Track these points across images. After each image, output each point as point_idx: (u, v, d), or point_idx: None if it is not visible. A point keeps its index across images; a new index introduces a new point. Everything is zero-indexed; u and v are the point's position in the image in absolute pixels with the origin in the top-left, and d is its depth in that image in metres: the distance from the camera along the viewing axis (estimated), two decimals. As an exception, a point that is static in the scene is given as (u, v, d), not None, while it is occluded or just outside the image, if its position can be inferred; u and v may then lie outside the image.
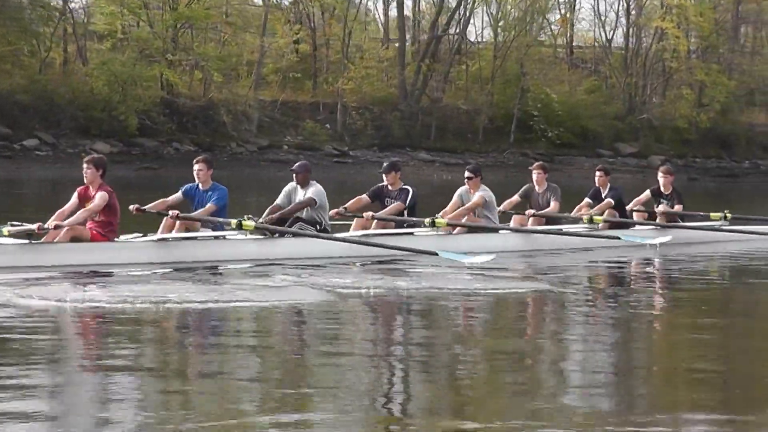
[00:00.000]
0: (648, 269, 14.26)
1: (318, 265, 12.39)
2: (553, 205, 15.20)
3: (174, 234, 12.58)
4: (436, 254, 12.70)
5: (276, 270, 11.91)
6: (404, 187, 14.07)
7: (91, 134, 42.54)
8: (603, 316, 9.81)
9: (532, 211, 15.20)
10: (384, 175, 14.09)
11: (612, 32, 59.90)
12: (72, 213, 11.86)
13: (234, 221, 12.41)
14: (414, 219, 13.93)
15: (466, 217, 14.53)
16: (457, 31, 53.99)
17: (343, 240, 13.09)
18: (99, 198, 11.80)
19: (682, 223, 16.33)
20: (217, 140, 45.15)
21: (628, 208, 16.27)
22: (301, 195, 13.43)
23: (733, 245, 16.06)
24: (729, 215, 16.76)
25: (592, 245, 15.10)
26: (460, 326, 9.28)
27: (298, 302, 9.85)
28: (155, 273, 11.53)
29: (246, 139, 46.30)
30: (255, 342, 8.16)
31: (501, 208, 15.23)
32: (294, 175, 13.50)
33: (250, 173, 42.11)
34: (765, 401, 6.62)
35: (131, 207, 12.44)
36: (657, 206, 16.48)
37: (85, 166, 12.00)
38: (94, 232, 11.93)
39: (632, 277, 13.62)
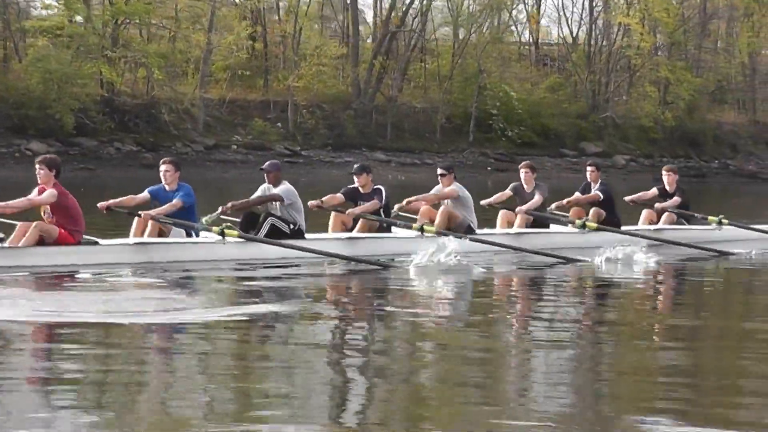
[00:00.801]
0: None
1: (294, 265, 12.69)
2: (536, 198, 15.04)
3: (147, 238, 12.57)
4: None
5: (252, 274, 12.17)
6: (376, 187, 14.11)
7: (26, 133, 40.51)
8: (564, 322, 9.57)
9: (523, 208, 14.99)
10: (355, 177, 14.12)
11: (577, 29, 58.45)
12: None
13: (216, 229, 12.60)
14: (401, 221, 14.09)
15: (443, 217, 14.36)
16: (414, 27, 51.99)
17: (330, 254, 12.93)
18: (47, 194, 11.70)
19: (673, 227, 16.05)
20: (161, 140, 43.21)
21: (627, 198, 16.35)
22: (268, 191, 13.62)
23: (727, 247, 15.38)
24: (725, 221, 16.46)
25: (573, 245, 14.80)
26: (418, 332, 8.91)
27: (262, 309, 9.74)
28: (122, 277, 11.44)
29: (192, 139, 44.34)
30: (205, 350, 7.81)
31: (492, 200, 15.25)
32: (265, 174, 13.57)
33: (196, 174, 39.97)
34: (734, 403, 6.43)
35: (99, 204, 12.56)
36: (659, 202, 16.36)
37: (37, 166, 11.85)
38: (62, 231, 11.88)
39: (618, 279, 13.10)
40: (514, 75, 54.75)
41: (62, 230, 11.81)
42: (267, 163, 13.96)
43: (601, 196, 15.55)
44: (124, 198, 12.77)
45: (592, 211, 15.49)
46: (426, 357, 7.84)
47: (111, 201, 12.67)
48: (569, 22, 59.05)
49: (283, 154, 45.23)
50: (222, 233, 12.56)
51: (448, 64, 52.65)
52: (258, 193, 13.62)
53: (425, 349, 8.08)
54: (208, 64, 46.56)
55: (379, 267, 12.70)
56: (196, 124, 44.94)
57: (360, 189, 14.11)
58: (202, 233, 12.83)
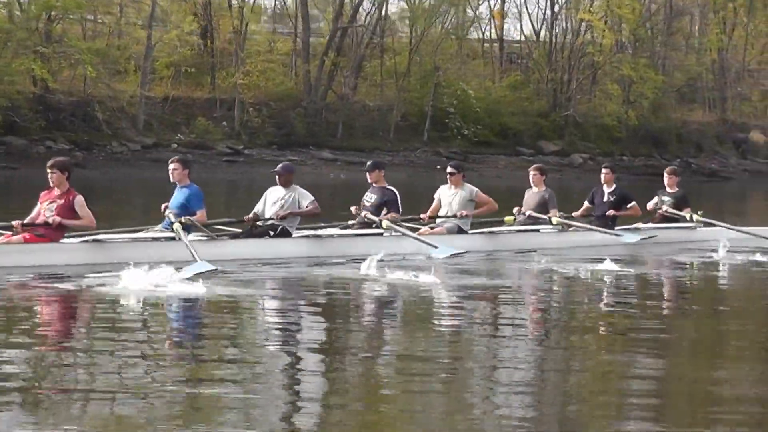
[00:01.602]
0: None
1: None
2: (552, 213, 15.10)
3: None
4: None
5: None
6: (388, 188, 14.11)
7: (-49, 131, 39.57)
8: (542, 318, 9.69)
9: (529, 212, 15.16)
10: (368, 173, 14.18)
11: (540, 25, 57.30)
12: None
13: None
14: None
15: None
16: (365, 23, 50.98)
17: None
18: (78, 206, 11.91)
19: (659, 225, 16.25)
20: (96, 138, 42.29)
21: (650, 207, 16.45)
22: (281, 194, 13.40)
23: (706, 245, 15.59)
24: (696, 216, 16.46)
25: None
26: (380, 330, 9.02)
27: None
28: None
29: (130, 138, 43.33)
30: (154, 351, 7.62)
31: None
32: (277, 176, 13.43)
33: (127, 174, 39.51)
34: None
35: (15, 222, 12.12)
36: (661, 207, 16.46)
37: (49, 171, 11.93)
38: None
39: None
40: (473, 72, 53.68)
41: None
42: (279, 165, 13.82)
43: (610, 211, 15.69)
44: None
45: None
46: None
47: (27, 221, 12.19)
48: (531, 19, 58.09)
49: (223, 153, 44.41)
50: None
51: (405, 62, 51.70)
52: (268, 195, 13.54)
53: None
54: (149, 61, 45.57)
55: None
56: (135, 122, 43.99)
57: (373, 185, 14.23)
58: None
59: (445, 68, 51.14)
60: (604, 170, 15.97)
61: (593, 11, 53.30)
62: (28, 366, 6.92)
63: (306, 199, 13.33)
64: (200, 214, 12.57)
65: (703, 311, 10.64)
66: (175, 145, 43.80)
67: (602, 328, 9.17)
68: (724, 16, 58.07)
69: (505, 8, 58.74)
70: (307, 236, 13.60)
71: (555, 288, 12.04)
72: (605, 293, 11.68)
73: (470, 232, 14.71)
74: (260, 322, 9.42)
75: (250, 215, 13.41)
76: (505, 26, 59.67)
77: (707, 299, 11.60)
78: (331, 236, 13.76)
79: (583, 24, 54.43)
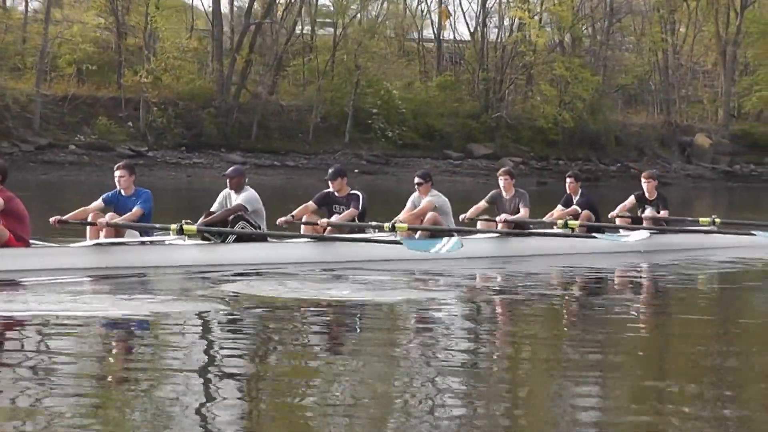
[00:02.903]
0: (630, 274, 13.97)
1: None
2: (523, 212, 14.73)
3: (104, 239, 12.32)
4: (400, 243, 12.97)
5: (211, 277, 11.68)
6: (353, 192, 13.69)
7: None
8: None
9: (504, 216, 14.67)
10: (330, 182, 13.68)
11: (475, 23, 54.99)
12: None
13: (174, 226, 12.27)
14: (373, 223, 13.84)
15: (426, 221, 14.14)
16: (284, 19, 48.65)
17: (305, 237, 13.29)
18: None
19: (667, 227, 16.10)
20: (-15, 138, 39.86)
21: (611, 215, 15.86)
22: (234, 199, 13.20)
23: (722, 252, 15.55)
24: (717, 220, 16.47)
25: (566, 250, 14.72)
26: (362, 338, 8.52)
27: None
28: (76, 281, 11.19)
29: (23, 138, 40.90)
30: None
31: (467, 214, 14.84)
32: (228, 180, 13.23)
33: (17, 176, 36.83)
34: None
35: (51, 219, 12.32)
36: (642, 212, 16.08)
37: None
38: (11, 236, 11.63)
39: (610, 282, 13.39)
40: (404, 73, 51.44)
41: (12, 234, 11.61)
42: (230, 168, 13.67)
43: (580, 210, 15.27)
44: (77, 211, 12.36)
45: (581, 218, 15.30)
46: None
47: (67, 215, 12.29)
48: (466, 17, 55.90)
49: (125, 155, 41.82)
50: (181, 230, 12.27)
51: (326, 60, 49.44)
52: (219, 199, 13.33)
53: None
54: (46, 57, 43.15)
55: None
56: (30, 122, 41.59)
57: (336, 194, 13.70)
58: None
59: (367, 67, 48.73)
60: (568, 179, 15.73)
61: (525, 8, 50.94)
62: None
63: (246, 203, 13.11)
64: (137, 210, 12.36)
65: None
66: (74, 146, 41.59)
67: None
68: (662, 15, 55.86)
69: (443, 7, 56.57)
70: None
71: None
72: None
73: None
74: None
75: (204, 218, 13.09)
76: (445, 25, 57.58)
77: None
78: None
79: (517, 21, 52.17)
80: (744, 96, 60.53)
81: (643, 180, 16.26)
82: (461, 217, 14.73)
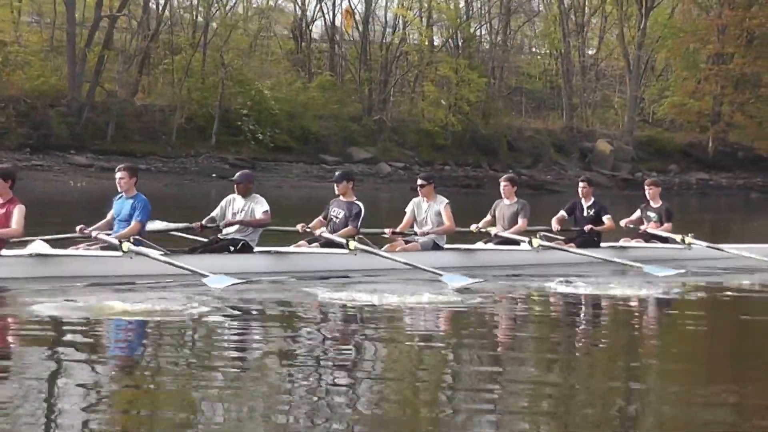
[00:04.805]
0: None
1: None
2: (521, 223, 14.12)
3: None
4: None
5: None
6: (356, 203, 13.08)
7: None
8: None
9: (495, 229, 14.15)
10: (335, 185, 13.10)
11: (363, 23, 52.22)
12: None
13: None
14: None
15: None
16: (144, 13, 45.71)
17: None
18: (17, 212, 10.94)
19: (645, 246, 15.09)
20: None
21: (623, 223, 15.30)
22: (240, 205, 12.56)
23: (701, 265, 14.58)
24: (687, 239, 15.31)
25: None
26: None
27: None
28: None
29: None
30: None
31: (481, 225, 14.30)
32: (235, 185, 12.65)
33: None
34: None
35: (78, 228, 11.67)
36: (645, 222, 15.39)
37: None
38: None
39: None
40: (268, 72, 48.66)
41: None
42: (238, 173, 12.89)
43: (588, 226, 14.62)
44: (102, 222, 11.90)
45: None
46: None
47: (94, 230, 11.62)
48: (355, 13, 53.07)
49: (-47, 157, 38.96)
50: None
51: (198, 58, 46.59)
52: (222, 203, 12.68)
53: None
54: None
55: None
56: None
57: (341, 197, 13.16)
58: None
59: (235, 65, 45.86)
60: (581, 183, 15.07)
61: (408, 6, 48.33)
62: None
63: (260, 210, 12.43)
64: (135, 224, 11.73)
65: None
66: None
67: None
68: (556, 15, 53.45)
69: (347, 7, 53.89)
70: (269, 251, 12.62)
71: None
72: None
73: (446, 247, 13.64)
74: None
75: (203, 222, 12.49)
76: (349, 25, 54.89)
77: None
78: (296, 253, 12.74)
79: (400, 20, 49.54)
80: (655, 102, 58.39)
81: (646, 187, 15.63)
82: (472, 227, 14.27)
